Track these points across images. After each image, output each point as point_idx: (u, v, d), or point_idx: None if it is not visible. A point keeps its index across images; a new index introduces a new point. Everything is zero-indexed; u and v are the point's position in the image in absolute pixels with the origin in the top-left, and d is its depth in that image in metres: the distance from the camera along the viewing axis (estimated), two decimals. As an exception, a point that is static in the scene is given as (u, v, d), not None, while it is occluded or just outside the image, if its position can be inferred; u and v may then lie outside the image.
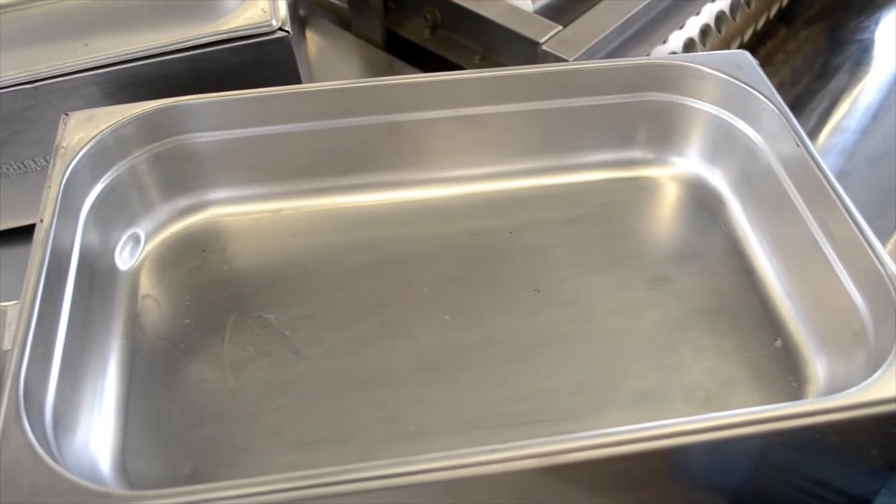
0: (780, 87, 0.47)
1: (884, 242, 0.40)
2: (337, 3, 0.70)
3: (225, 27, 0.49)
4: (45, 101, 0.48)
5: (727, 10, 0.66)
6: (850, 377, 0.39)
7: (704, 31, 0.64)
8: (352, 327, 0.44)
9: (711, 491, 0.37)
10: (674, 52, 0.60)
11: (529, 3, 0.60)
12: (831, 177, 0.42)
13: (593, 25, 0.57)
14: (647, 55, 0.59)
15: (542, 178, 0.51)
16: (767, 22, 0.72)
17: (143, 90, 0.48)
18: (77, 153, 0.43)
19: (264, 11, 0.49)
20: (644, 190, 0.51)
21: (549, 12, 0.60)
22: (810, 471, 0.37)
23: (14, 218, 0.52)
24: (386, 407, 0.41)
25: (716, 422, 0.33)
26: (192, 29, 0.50)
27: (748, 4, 0.68)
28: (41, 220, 0.39)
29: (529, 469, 0.32)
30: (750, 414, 0.33)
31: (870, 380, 0.34)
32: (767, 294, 0.45)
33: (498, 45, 0.59)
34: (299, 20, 0.61)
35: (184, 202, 0.49)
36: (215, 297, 0.45)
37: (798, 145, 0.43)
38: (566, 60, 0.54)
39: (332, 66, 0.65)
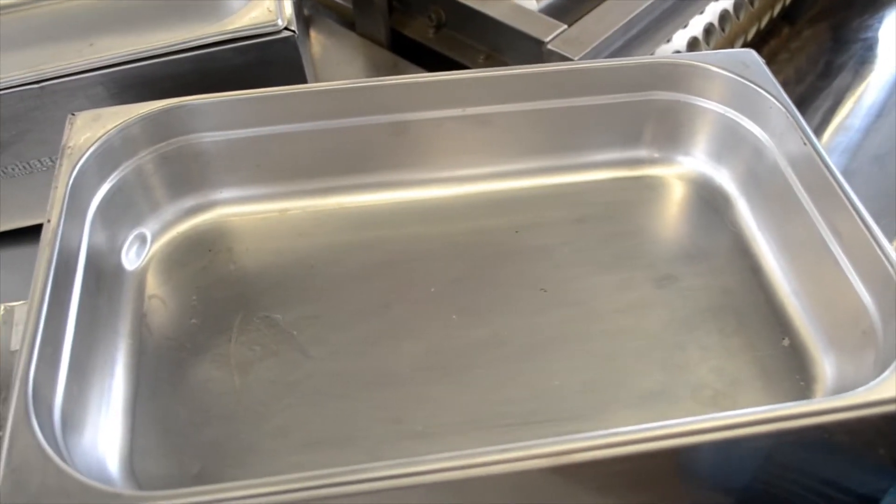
0: (784, 86, 0.47)
1: (890, 241, 0.40)
2: (341, 2, 0.70)
3: (230, 27, 0.49)
4: (50, 101, 0.48)
5: (731, 9, 0.66)
6: (858, 376, 0.38)
7: (708, 29, 0.64)
8: (358, 327, 0.44)
9: (719, 490, 0.37)
10: (678, 51, 0.60)
11: (534, 2, 0.60)
12: (839, 175, 0.41)
13: (598, 24, 0.57)
14: (652, 54, 0.58)
15: (548, 178, 0.51)
16: (771, 20, 0.72)
17: (149, 90, 0.48)
18: (84, 153, 0.43)
19: (270, 11, 0.49)
20: (650, 189, 0.51)
21: (553, 11, 0.60)
22: (818, 470, 0.37)
23: (20, 218, 0.52)
24: (392, 407, 0.41)
25: (724, 421, 0.33)
26: (197, 29, 0.50)
27: (752, 3, 0.68)
28: (48, 221, 0.39)
29: (539, 469, 0.31)
30: (758, 413, 0.33)
31: (878, 379, 0.34)
32: (774, 293, 0.45)
33: (502, 44, 0.59)
34: (304, 19, 0.61)
35: (190, 202, 0.49)
36: (222, 296, 0.45)
37: (805, 144, 0.43)
38: (571, 59, 0.54)
39: (337, 66, 0.65)
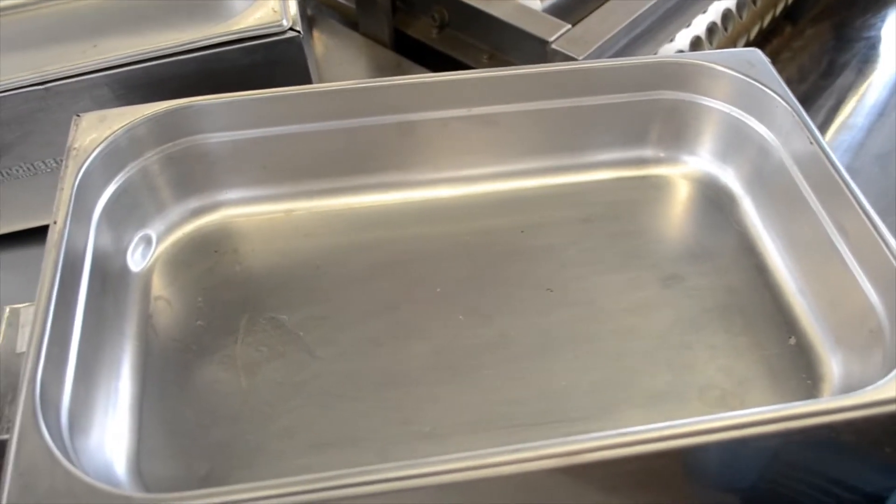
0: (787, 85, 0.47)
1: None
2: (344, 2, 0.70)
3: (235, 27, 0.49)
4: (55, 102, 0.47)
5: (734, 8, 0.66)
6: (865, 375, 0.38)
7: (711, 29, 0.64)
8: (365, 327, 0.44)
9: (726, 490, 0.37)
10: (681, 51, 0.60)
11: (538, 1, 0.60)
12: (845, 174, 0.41)
13: (602, 24, 0.57)
14: (655, 53, 0.58)
15: (554, 178, 0.51)
16: (773, 20, 0.72)
17: (153, 91, 0.48)
18: (90, 154, 0.42)
19: (275, 11, 0.49)
20: (656, 188, 0.51)
21: (556, 11, 0.60)
22: (825, 469, 0.36)
23: (24, 220, 0.52)
24: (400, 407, 0.41)
25: (733, 420, 0.32)
26: (201, 29, 0.50)
27: (754, 2, 0.68)
28: (54, 222, 0.39)
29: (549, 469, 0.31)
30: (767, 413, 0.33)
31: (886, 378, 0.34)
32: (781, 292, 0.45)
33: (506, 44, 0.59)
34: (307, 20, 0.61)
35: (195, 203, 0.48)
36: (228, 298, 0.45)
37: (811, 143, 0.43)
38: (575, 59, 0.54)
39: (340, 66, 0.64)
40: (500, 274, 0.46)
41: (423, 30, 0.64)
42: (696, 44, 0.62)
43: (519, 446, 0.32)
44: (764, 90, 0.46)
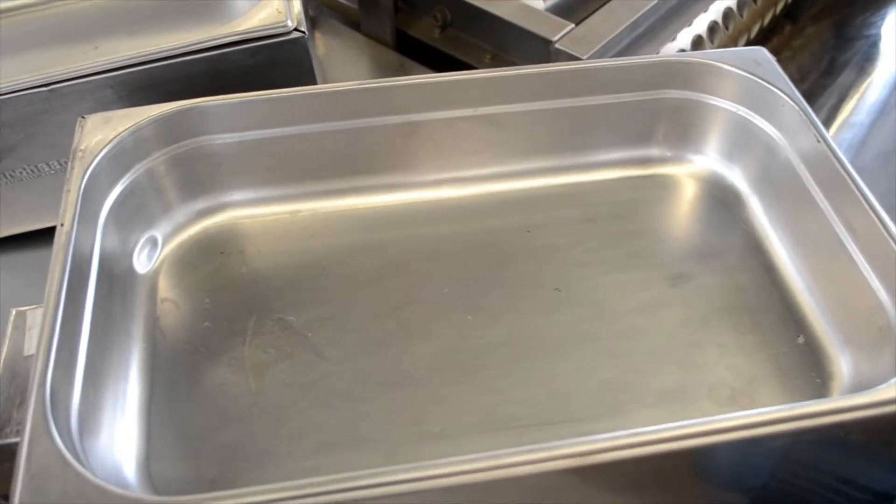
0: (789, 84, 0.47)
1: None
2: (346, 3, 0.69)
3: (240, 28, 0.48)
4: (59, 104, 0.47)
5: (735, 7, 0.66)
6: (875, 374, 0.39)
7: (712, 27, 0.64)
8: (372, 328, 0.44)
9: (736, 489, 0.37)
10: (682, 50, 0.60)
11: (540, 1, 0.60)
12: (853, 172, 0.41)
13: (605, 23, 0.57)
14: (657, 53, 0.59)
15: (560, 177, 0.51)
16: (774, 18, 0.72)
17: (157, 92, 0.48)
18: (96, 156, 0.42)
19: (279, 12, 0.49)
20: (662, 188, 0.51)
21: (559, 10, 0.60)
22: (835, 467, 0.37)
23: (28, 222, 0.52)
24: (409, 408, 0.41)
25: (747, 420, 0.33)
26: (204, 30, 0.50)
27: (755, 1, 0.68)
28: (62, 224, 0.39)
29: (564, 469, 0.31)
30: (779, 412, 0.33)
31: (896, 376, 0.34)
32: (789, 290, 0.45)
33: (509, 43, 0.59)
34: (309, 20, 0.61)
35: (201, 204, 0.48)
36: (235, 299, 0.45)
37: (819, 141, 0.43)
38: (579, 58, 0.54)
39: (342, 67, 0.64)
40: (506, 274, 0.46)
41: (426, 30, 0.64)
42: (697, 43, 0.62)
43: (533, 447, 0.31)
44: (770, 89, 0.46)
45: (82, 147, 0.43)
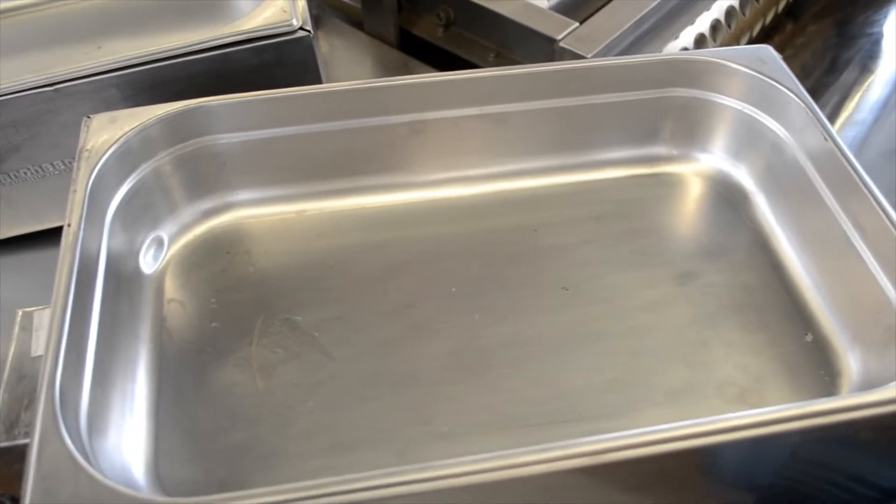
0: (793, 82, 0.47)
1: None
2: (349, 2, 0.69)
3: (245, 27, 0.48)
4: (63, 104, 0.47)
5: (737, 6, 0.66)
6: (884, 371, 0.39)
7: (715, 26, 0.64)
8: (380, 328, 0.44)
9: (744, 487, 0.37)
10: (685, 48, 0.60)
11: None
12: (861, 170, 0.41)
13: (609, 22, 0.57)
14: (660, 51, 0.58)
15: (566, 176, 0.51)
16: (776, 16, 0.72)
17: (161, 92, 0.48)
18: (102, 155, 0.42)
19: (284, 11, 0.49)
20: (668, 186, 0.51)
21: (562, 9, 0.60)
22: (843, 465, 0.37)
23: (32, 222, 0.52)
24: (417, 408, 0.41)
25: (760, 418, 0.32)
26: (208, 30, 0.50)
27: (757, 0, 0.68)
28: (69, 225, 0.39)
29: (576, 468, 0.31)
30: (789, 410, 0.33)
31: (906, 374, 0.34)
32: (796, 288, 0.45)
33: (512, 42, 0.59)
34: (313, 19, 0.61)
35: (207, 204, 0.48)
36: (241, 299, 0.45)
37: (826, 139, 0.43)
38: (584, 57, 0.53)
39: (345, 66, 0.64)
40: (513, 273, 0.46)
41: (429, 29, 0.63)
42: (700, 41, 0.62)
43: (545, 446, 0.31)
44: (777, 87, 0.46)
45: (88, 147, 0.43)
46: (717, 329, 0.43)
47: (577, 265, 0.47)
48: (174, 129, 0.45)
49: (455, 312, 0.44)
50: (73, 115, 0.47)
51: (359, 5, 0.67)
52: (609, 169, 0.51)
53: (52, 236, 0.48)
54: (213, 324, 0.44)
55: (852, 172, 0.41)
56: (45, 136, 0.48)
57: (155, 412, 0.40)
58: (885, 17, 0.74)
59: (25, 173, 0.49)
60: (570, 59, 0.54)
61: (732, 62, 0.47)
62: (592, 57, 0.53)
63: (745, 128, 0.49)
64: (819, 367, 0.42)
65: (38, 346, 0.40)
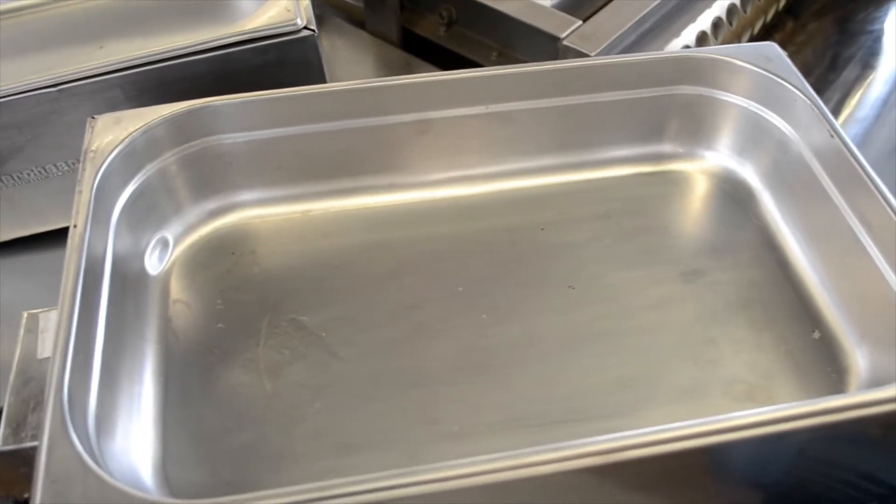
0: (796, 79, 0.47)
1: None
2: (351, 1, 0.69)
3: (248, 27, 0.48)
4: (67, 104, 0.47)
5: (738, 3, 0.66)
6: (892, 368, 0.39)
7: (716, 24, 0.64)
8: (387, 328, 0.44)
9: (752, 485, 0.37)
10: (687, 46, 0.60)
11: (547, -2, 0.60)
12: (867, 166, 0.41)
13: (612, 20, 0.57)
14: (662, 49, 0.58)
15: (572, 174, 0.50)
16: (777, 14, 0.72)
17: (165, 92, 0.48)
18: (108, 156, 0.42)
19: (288, 10, 0.49)
20: (674, 184, 0.51)
21: (565, 7, 0.59)
22: (850, 462, 0.36)
23: (35, 224, 0.51)
24: (426, 408, 0.40)
25: (770, 416, 0.32)
26: (211, 30, 0.50)
27: (758, -3, 0.68)
28: (74, 226, 0.39)
29: (588, 468, 0.31)
30: (799, 407, 0.33)
31: (915, 371, 0.34)
32: (803, 285, 0.45)
33: (515, 40, 0.59)
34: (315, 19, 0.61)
35: (212, 204, 0.48)
36: (247, 300, 0.45)
37: (832, 135, 0.43)
38: (587, 55, 0.53)
39: (348, 65, 0.64)
40: (520, 272, 0.46)
41: (431, 27, 0.63)
42: (702, 39, 0.62)
43: (555, 445, 0.31)
44: (782, 84, 0.46)
45: (93, 147, 0.42)
46: (724, 327, 0.43)
47: (583, 264, 0.47)
48: (179, 130, 0.45)
49: (462, 312, 0.44)
50: (77, 115, 0.47)
51: (361, 5, 0.67)
52: (614, 167, 0.51)
53: (54, 238, 0.48)
54: (219, 324, 0.44)
55: (858, 168, 0.41)
56: (49, 137, 0.48)
57: (162, 414, 0.40)
58: (886, 14, 0.74)
59: (28, 174, 0.49)
60: (574, 57, 0.54)
61: (737, 59, 0.47)
62: (596, 55, 0.53)
63: (750, 125, 0.49)
64: (827, 364, 0.42)
65: (45, 349, 0.40)
